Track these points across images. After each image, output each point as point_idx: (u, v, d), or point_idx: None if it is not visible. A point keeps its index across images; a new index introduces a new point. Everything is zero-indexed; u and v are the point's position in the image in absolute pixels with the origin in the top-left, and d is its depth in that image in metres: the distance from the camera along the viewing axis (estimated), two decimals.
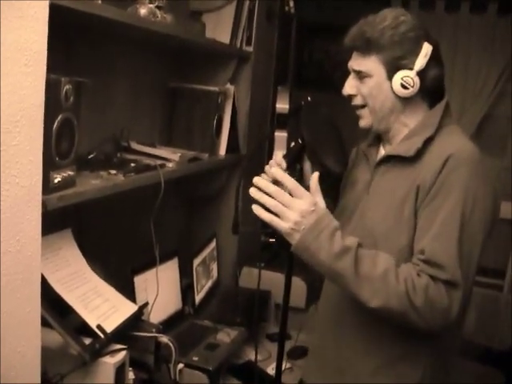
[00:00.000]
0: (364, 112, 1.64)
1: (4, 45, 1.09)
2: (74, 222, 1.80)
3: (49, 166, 1.39)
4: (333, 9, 4.04)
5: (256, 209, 1.48)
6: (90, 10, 1.53)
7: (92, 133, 1.95)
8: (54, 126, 1.41)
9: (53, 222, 1.39)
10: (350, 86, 1.64)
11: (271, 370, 2.27)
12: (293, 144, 1.74)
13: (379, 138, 1.72)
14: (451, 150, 1.49)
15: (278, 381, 1.83)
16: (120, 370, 1.55)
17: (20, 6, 1.12)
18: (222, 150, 2.59)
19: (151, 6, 1.94)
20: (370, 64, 1.57)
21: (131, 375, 1.64)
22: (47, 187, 1.39)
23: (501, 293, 3.78)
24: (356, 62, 1.61)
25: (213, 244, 2.74)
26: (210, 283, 2.67)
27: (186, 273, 2.43)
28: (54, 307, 1.50)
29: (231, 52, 2.62)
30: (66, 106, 1.45)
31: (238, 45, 2.63)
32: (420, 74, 1.54)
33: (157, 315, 2.07)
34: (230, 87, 2.61)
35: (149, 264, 2.12)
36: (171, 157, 2.12)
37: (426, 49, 1.53)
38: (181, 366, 1.90)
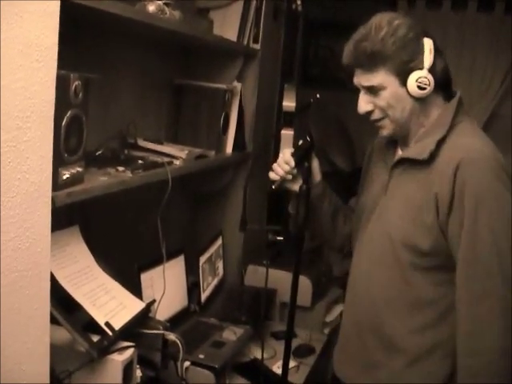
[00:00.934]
0: (385, 123, 1.62)
1: (15, 40, 1.08)
2: (81, 219, 1.80)
3: (57, 162, 1.38)
4: (339, 7, 4.03)
5: None
6: (98, 5, 1.52)
7: (99, 129, 1.94)
8: (63, 122, 1.40)
9: (60, 218, 1.39)
10: (364, 103, 1.62)
11: (277, 368, 2.26)
12: (301, 142, 1.74)
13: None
14: (461, 155, 1.48)
15: (285, 379, 1.83)
16: (128, 368, 1.55)
17: (31, 1, 1.11)
18: (229, 148, 2.58)
19: (159, 2, 1.94)
20: (380, 77, 1.55)
21: (138, 372, 1.64)
22: (56, 183, 1.39)
23: None
24: (364, 79, 1.58)
25: (219, 241, 2.74)
26: (215, 281, 2.67)
27: (192, 270, 2.43)
28: (62, 304, 1.50)
29: (238, 49, 2.61)
30: (75, 103, 1.44)
31: (245, 42, 2.62)
32: (431, 70, 1.53)
33: (163, 313, 2.06)
34: (237, 85, 2.60)
35: (155, 261, 2.12)
36: (178, 154, 2.11)
37: (429, 44, 1.53)
38: (187, 363, 1.90)
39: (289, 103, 2.58)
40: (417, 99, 1.56)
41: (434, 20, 3.85)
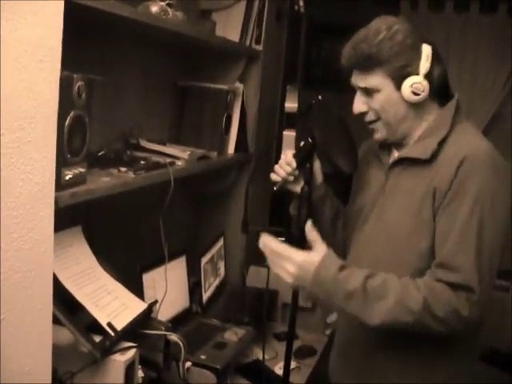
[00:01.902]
0: (378, 125, 1.63)
1: (20, 41, 1.08)
2: (83, 220, 1.80)
3: (60, 162, 1.38)
4: (342, 8, 4.04)
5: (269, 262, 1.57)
6: (102, 6, 1.53)
7: (102, 130, 1.95)
8: (66, 122, 1.40)
9: (63, 219, 1.39)
10: (359, 104, 1.63)
11: (278, 369, 2.26)
12: (303, 143, 1.74)
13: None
14: (465, 152, 1.48)
15: (286, 380, 1.83)
16: (130, 368, 1.55)
17: (35, 2, 1.12)
18: (231, 149, 2.59)
19: (162, 3, 1.94)
20: (376, 79, 1.56)
21: (140, 373, 1.64)
22: (59, 184, 1.38)
23: (507, 294, 3.77)
24: (360, 80, 1.59)
25: (220, 242, 2.74)
26: (217, 282, 2.67)
27: (193, 271, 2.43)
28: (65, 305, 1.50)
29: (241, 50, 2.62)
30: (78, 103, 1.44)
31: (248, 43, 2.63)
32: (427, 76, 1.53)
33: (165, 313, 2.06)
34: (239, 86, 2.61)
35: (157, 262, 2.12)
36: (180, 155, 2.11)
37: (427, 51, 1.53)
38: (189, 364, 1.90)
39: (291, 104, 2.59)
40: (411, 104, 1.57)
41: (436, 22, 3.85)
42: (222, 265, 2.75)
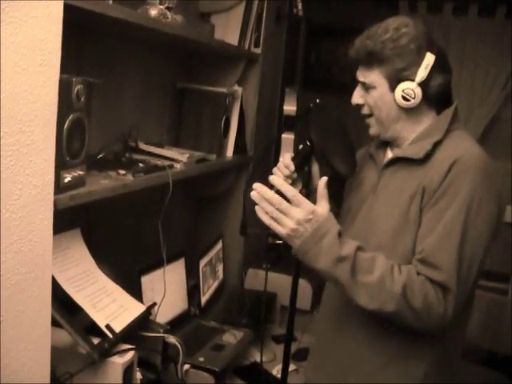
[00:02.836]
0: (371, 121, 1.67)
1: (19, 44, 1.09)
2: (82, 222, 1.81)
3: (59, 165, 1.39)
4: (341, 11, 4.04)
5: (258, 211, 1.51)
6: (101, 10, 1.53)
7: (101, 132, 1.95)
8: (65, 125, 1.41)
9: (62, 221, 1.40)
10: (357, 96, 1.68)
11: (276, 371, 2.27)
12: (301, 146, 1.74)
13: (387, 141, 1.73)
14: (458, 154, 1.50)
15: (284, 382, 1.83)
16: (128, 370, 1.55)
17: (35, 6, 1.12)
18: (230, 151, 2.59)
19: (161, 7, 1.95)
20: (373, 76, 1.60)
21: (139, 375, 1.64)
22: (58, 187, 1.39)
23: (505, 297, 3.78)
24: (361, 74, 1.63)
25: (219, 245, 2.75)
26: (216, 284, 2.67)
27: (192, 273, 2.44)
28: (63, 306, 1.51)
29: (239, 53, 2.62)
30: (77, 106, 1.45)
31: (247, 46, 2.63)
32: (422, 84, 1.55)
33: (163, 315, 2.07)
34: (238, 89, 2.61)
35: (156, 264, 2.12)
36: (179, 157, 2.12)
37: (428, 60, 1.54)
38: (187, 366, 1.91)
39: (290, 107, 2.60)
40: (403, 108, 1.59)
41: (435, 25, 3.86)
42: (220, 267, 2.76)
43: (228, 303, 2.68)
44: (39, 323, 1.28)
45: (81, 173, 1.54)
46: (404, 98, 1.56)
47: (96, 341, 1.53)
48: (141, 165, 1.92)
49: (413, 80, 1.54)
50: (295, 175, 1.73)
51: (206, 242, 2.71)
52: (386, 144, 1.73)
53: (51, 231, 1.28)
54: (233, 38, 2.56)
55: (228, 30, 2.59)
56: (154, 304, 1.90)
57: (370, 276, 1.45)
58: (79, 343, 1.49)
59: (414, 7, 3.95)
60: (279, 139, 2.57)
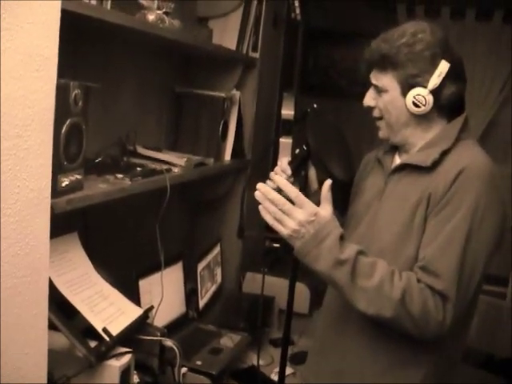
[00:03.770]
0: (381, 124, 1.66)
1: (16, 50, 1.10)
2: (80, 226, 1.82)
3: (57, 169, 1.40)
4: (339, 16, 4.05)
5: (262, 210, 1.52)
6: (99, 15, 1.55)
7: (99, 137, 1.96)
8: (63, 130, 1.42)
9: (59, 225, 1.40)
10: (369, 99, 1.66)
11: (274, 375, 2.27)
12: (298, 151, 1.75)
13: (395, 147, 1.72)
14: (465, 163, 1.49)
15: None
16: (125, 373, 1.56)
17: (32, 12, 1.13)
18: (228, 156, 2.60)
19: (159, 12, 1.96)
20: (386, 80, 1.59)
21: (136, 378, 1.65)
22: (55, 191, 1.41)
23: (503, 300, 3.78)
24: (374, 77, 1.62)
25: (217, 249, 2.75)
26: (214, 288, 2.68)
27: (190, 277, 2.44)
28: (60, 310, 1.52)
29: (237, 58, 2.64)
30: (75, 111, 1.46)
31: (245, 51, 2.64)
32: (434, 92, 1.54)
33: (161, 319, 2.07)
34: (236, 93, 2.62)
35: (153, 268, 2.13)
36: (177, 161, 2.13)
37: (442, 68, 1.53)
38: (184, 369, 1.91)
39: (287, 111, 2.60)
40: (414, 114, 1.58)
41: None
42: (218, 271, 2.76)
43: (226, 307, 2.68)
44: (36, 326, 1.28)
45: (78, 177, 1.55)
46: (415, 104, 1.55)
47: (93, 344, 1.54)
48: (138, 169, 1.93)
49: (425, 87, 1.53)
50: (292, 179, 1.74)
51: (203, 245, 2.71)
52: (395, 149, 1.73)
53: (48, 235, 1.29)
54: (231, 43, 2.57)
55: (226, 34, 2.60)
56: (152, 307, 1.91)
57: (370, 280, 1.45)
58: (76, 346, 1.50)
59: (411, 11, 3.97)
60: (277, 143, 2.58)
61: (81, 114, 1.49)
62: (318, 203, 1.80)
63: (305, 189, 1.73)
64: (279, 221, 1.49)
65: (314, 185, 1.80)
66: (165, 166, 2.03)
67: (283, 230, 1.49)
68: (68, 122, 1.44)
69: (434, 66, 1.53)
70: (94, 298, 1.67)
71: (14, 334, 1.21)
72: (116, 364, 1.54)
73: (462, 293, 1.45)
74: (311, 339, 2.55)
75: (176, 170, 2.10)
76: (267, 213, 1.51)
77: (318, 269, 1.49)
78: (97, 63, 1.96)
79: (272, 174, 1.72)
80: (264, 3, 2.73)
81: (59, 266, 1.63)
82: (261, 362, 2.26)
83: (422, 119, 1.60)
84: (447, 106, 1.59)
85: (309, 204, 1.50)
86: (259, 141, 2.87)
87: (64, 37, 1.24)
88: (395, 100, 1.59)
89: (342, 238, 1.49)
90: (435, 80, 1.53)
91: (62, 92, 1.36)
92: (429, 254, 1.48)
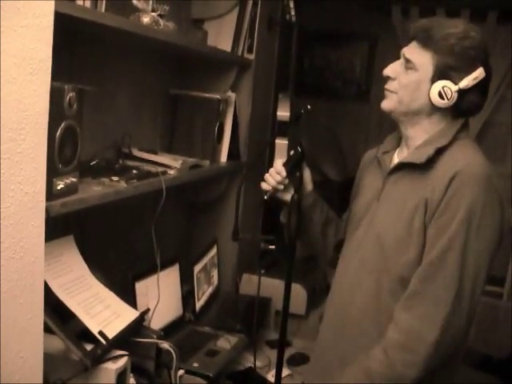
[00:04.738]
0: (391, 96, 1.62)
1: (9, 53, 1.10)
2: (75, 229, 1.82)
3: (52, 172, 1.40)
4: (333, 17, 4.06)
5: None
6: (93, 18, 1.54)
7: (94, 139, 1.96)
8: (57, 133, 1.42)
9: (55, 228, 1.40)
10: (392, 69, 1.62)
11: (271, 376, 2.27)
12: (292, 152, 1.76)
13: (395, 146, 1.72)
14: (459, 166, 1.49)
15: None
16: (121, 376, 1.56)
17: (25, 15, 1.13)
18: (223, 157, 2.60)
19: (154, 14, 1.96)
20: (423, 59, 1.55)
21: (132, 381, 1.65)
22: (50, 194, 1.41)
23: (500, 300, 3.79)
24: (410, 51, 1.58)
25: (214, 250, 2.75)
26: (210, 290, 2.68)
27: (186, 279, 2.44)
28: (56, 313, 1.52)
29: (232, 59, 2.64)
30: (70, 114, 1.46)
31: (240, 52, 2.64)
32: (461, 92, 1.53)
33: (157, 321, 2.07)
34: (231, 95, 2.62)
35: (150, 270, 2.13)
36: (173, 164, 2.13)
37: (478, 73, 1.52)
38: (181, 372, 1.91)
39: (283, 113, 2.60)
40: (430, 103, 1.56)
41: None
42: (215, 273, 2.76)
43: (222, 309, 2.68)
44: (31, 330, 1.28)
45: (73, 180, 1.55)
46: (439, 95, 1.53)
47: (89, 347, 1.54)
48: (134, 171, 1.93)
49: (455, 83, 1.52)
50: (287, 181, 1.74)
51: (200, 247, 2.71)
52: (394, 149, 1.72)
53: (43, 238, 1.29)
54: (226, 44, 2.57)
55: (221, 36, 2.60)
56: (148, 310, 1.91)
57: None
58: (72, 349, 1.50)
59: (406, 12, 3.98)
60: (273, 145, 2.58)
61: (75, 117, 1.49)
62: (310, 205, 1.81)
63: (299, 190, 1.73)
64: None
65: (309, 186, 1.81)
66: (160, 169, 2.02)
67: None
68: (63, 125, 1.44)
69: (472, 68, 1.52)
70: (90, 301, 1.67)
71: (9, 338, 1.21)
72: (112, 367, 1.54)
73: (466, 299, 1.46)
74: (311, 342, 2.57)
75: (171, 172, 2.10)
76: None
77: None
78: (92, 66, 1.95)
79: (267, 176, 1.73)
80: (259, 5, 2.73)
81: (55, 269, 1.63)
82: (258, 364, 2.26)
83: (434, 111, 1.58)
84: (463, 110, 1.58)
85: None
86: (255, 142, 2.87)
87: (59, 40, 1.25)
88: (421, 82, 1.56)
89: None
90: (469, 81, 1.52)
91: (56, 95, 1.36)
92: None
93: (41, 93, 1.21)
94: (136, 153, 2.14)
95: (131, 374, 1.64)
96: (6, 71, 1.10)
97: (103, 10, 1.67)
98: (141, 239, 2.10)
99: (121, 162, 2.00)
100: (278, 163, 1.72)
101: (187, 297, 2.47)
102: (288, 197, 1.74)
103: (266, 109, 3.05)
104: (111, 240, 2.21)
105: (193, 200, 2.86)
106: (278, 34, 3.05)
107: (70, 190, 1.53)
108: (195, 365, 2.08)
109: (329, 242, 1.88)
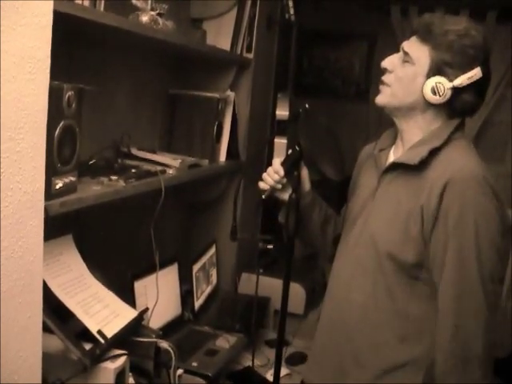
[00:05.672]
0: (385, 90, 1.62)
1: (8, 52, 1.10)
2: (74, 228, 1.81)
3: (51, 172, 1.40)
4: (332, 17, 4.06)
5: None
6: (92, 17, 1.54)
7: (93, 139, 1.96)
8: (56, 132, 1.42)
9: (54, 227, 1.40)
10: (390, 62, 1.61)
11: (270, 375, 2.27)
12: (290, 151, 1.76)
13: (391, 144, 1.72)
14: (453, 171, 1.49)
15: None
16: (120, 376, 1.56)
17: (24, 14, 1.13)
18: (222, 157, 2.60)
19: (153, 13, 1.96)
20: (421, 53, 1.55)
21: (131, 380, 1.64)
22: (49, 193, 1.40)
23: (500, 300, 3.78)
24: (409, 44, 1.58)
25: (212, 250, 2.75)
26: (209, 289, 2.68)
27: (185, 278, 2.44)
28: (55, 312, 1.51)
29: (232, 59, 2.63)
30: (68, 113, 1.46)
31: (239, 52, 2.64)
32: (455, 90, 1.52)
33: (156, 321, 2.07)
34: (231, 94, 2.62)
35: (149, 269, 2.13)
36: (171, 163, 2.13)
37: (475, 73, 1.51)
38: (180, 371, 1.91)
39: (282, 112, 2.60)
40: (423, 99, 1.55)
41: None
42: (214, 272, 2.76)
43: (221, 308, 2.69)
44: (30, 329, 1.28)
45: (72, 179, 1.55)
46: (432, 91, 1.53)
47: (88, 346, 1.54)
48: (133, 170, 1.93)
49: (451, 80, 1.51)
50: (285, 180, 1.74)
51: (199, 246, 2.71)
52: (390, 147, 1.72)
53: (42, 237, 1.29)
54: (225, 44, 2.57)
55: (220, 35, 2.60)
56: (147, 309, 1.91)
57: None
58: (71, 349, 1.50)
59: (405, 11, 3.97)
60: (272, 144, 2.58)
61: (74, 116, 1.49)
62: (309, 204, 1.81)
63: (298, 189, 1.73)
64: None
65: (307, 185, 1.81)
66: (159, 168, 2.02)
67: None
68: (61, 125, 1.43)
69: (469, 66, 1.51)
70: (89, 301, 1.67)
71: (8, 338, 1.20)
72: (111, 366, 1.54)
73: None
74: (310, 341, 2.58)
75: (170, 171, 2.09)
76: None
77: None
78: (90, 66, 1.95)
79: (265, 175, 1.73)
80: (258, 4, 2.73)
81: (54, 268, 1.63)
82: (257, 363, 2.26)
83: (427, 108, 1.58)
84: (458, 111, 1.57)
85: None
86: (254, 142, 2.87)
87: (58, 39, 1.24)
88: (417, 77, 1.55)
89: None
90: (463, 79, 1.51)
91: (55, 94, 1.35)
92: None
93: (40, 92, 1.21)
94: (135, 152, 2.14)
95: (130, 374, 1.64)
96: (5, 70, 1.09)
97: (102, 9, 1.67)
98: (140, 238, 2.09)
99: (120, 161, 1.99)
100: (276, 162, 1.72)
101: (186, 296, 2.47)
102: (286, 196, 1.74)
103: (265, 108, 3.05)
104: (110, 239, 2.20)
105: (192, 199, 2.86)
106: (277, 34, 3.05)
107: (68, 189, 1.53)
108: (194, 364, 2.08)
109: (328, 239, 1.88)
